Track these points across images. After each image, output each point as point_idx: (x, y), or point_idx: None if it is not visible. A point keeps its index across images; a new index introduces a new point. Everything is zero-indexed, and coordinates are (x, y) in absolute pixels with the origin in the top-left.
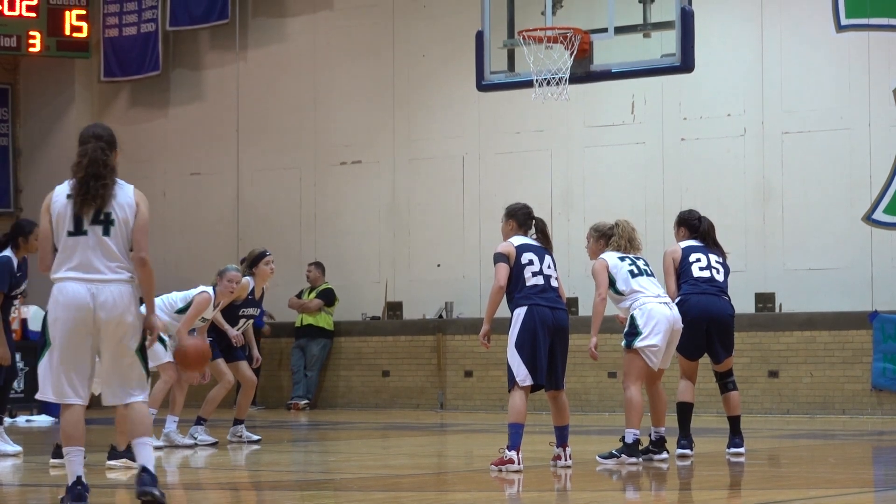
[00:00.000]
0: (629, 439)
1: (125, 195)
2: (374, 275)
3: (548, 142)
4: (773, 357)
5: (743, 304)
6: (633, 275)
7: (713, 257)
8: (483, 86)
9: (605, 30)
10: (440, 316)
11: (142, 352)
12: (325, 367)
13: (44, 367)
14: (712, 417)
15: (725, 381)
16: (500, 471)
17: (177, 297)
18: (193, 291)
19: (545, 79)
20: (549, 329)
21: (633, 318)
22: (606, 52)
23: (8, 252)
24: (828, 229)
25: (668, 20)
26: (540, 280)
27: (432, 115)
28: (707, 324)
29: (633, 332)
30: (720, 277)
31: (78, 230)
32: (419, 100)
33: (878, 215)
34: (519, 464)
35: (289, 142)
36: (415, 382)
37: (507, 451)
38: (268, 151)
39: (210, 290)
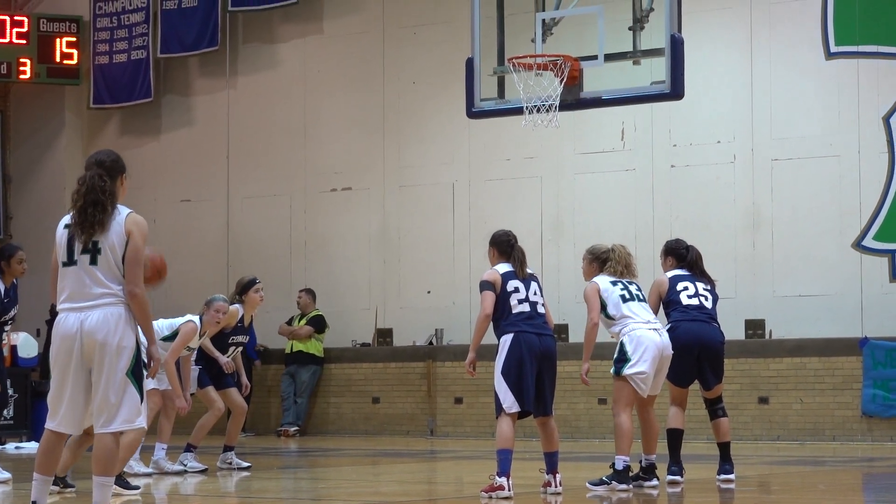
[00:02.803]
0: (619, 466)
1: (117, 223)
2: (365, 301)
3: (538, 169)
4: (763, 383)
5: (733, 330)
6: (625, 300)
7: (700, 285)
8: (473, 113)
9: (594, 57)
10: (430, 343)
11: (135, 376)
12: (315, 393)
13: (48, 396)
14: (702, 444)
15: (715, 408)
16: (491, 497)
17: (163, 325)
18: (180, 320)
19: (535, 106)
20: (535, 356)
21: (622, 344)
22: (596, 80)
23: None
24: (818, 256)
25: (658, 47)
26: (526, 307)
27: (422, 142)
28: (698, 350)
29: (622, 358)
30: (709, 305)
31: (70, 260)
32: (409, 127)
33: (868, 242)
34: (509, 490)
35: (279, 168)
36: (405, 409)
37: (496, 477)
38: (258, 178)
39: (196, 319)
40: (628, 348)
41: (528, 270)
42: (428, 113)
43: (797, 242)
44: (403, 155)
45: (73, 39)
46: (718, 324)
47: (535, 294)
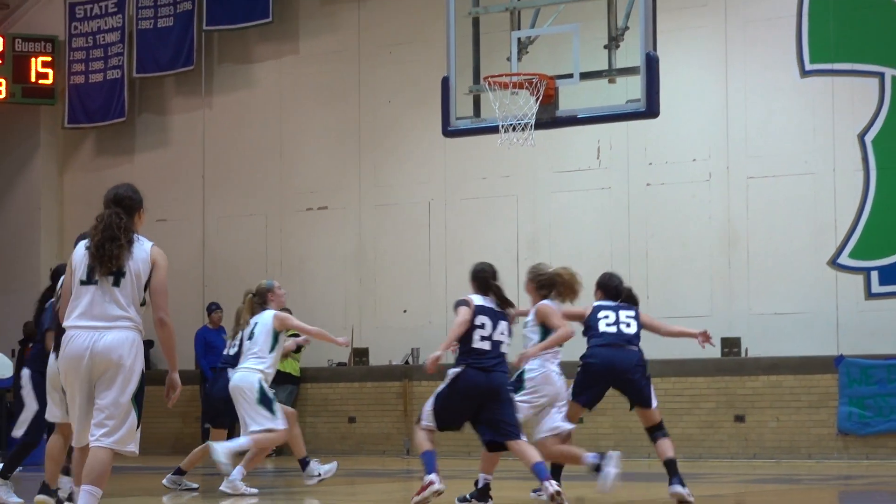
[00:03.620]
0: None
1: (142, 250)
2: (341, 321)
3: (514, 187)
4: (739, 401)
5: (709, 348)
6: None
7: (623, 313)
8: (449, 131)
9: (570, 75)
10: (406, 362)
11: (137, 402)
12: None
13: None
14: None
15: (654, 434)
16: (424, 498)
17: None
18: None
19: (511, 124)
20: (478, 393)
21: (522, 372)
22: (572, 98)
23: None
24: (793, 274)
25: (634, 66)
26: (487, 345)
27: (398, 161)
28: (609, 375)
29: (518, 385)
30: (630, 330)
31: (90, 279)
32: (385, 145)
33: (844, 260)
34: (439, 483)
35: (255, 188)
36: (381, 429)
37: (425, 478)
38: (234, 197)
39: None
40: (526, 377)
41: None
42: (404, 132)
43: (773, 260)
44: (379, 174)
45: (49, 59)
46: (638, 347)
47: (501, 333)
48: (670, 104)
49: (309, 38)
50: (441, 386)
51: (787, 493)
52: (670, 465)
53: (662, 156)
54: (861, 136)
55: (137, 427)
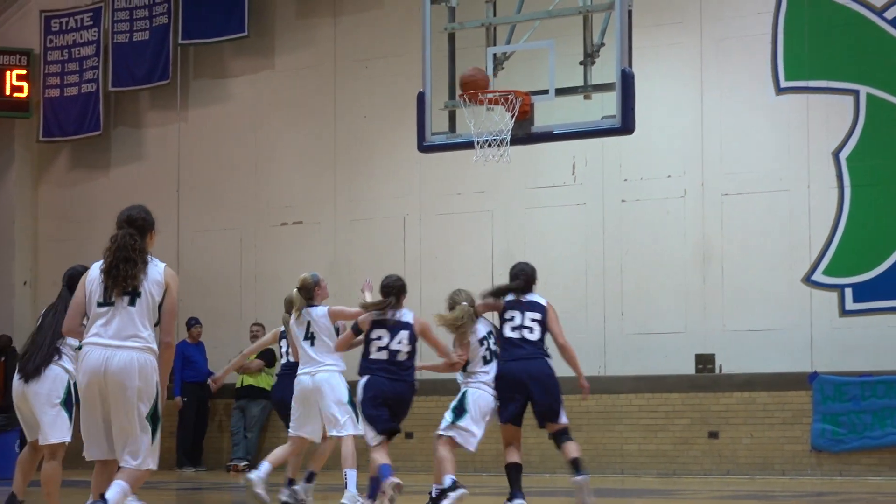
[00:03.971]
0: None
1: (156, 272)
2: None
3: (489, 203)
4: (713, 418)
5: (683, 364)
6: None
7: (529, 315)
8: (424, 147)
9: (545, 91)
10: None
11: (153, 421)
12: (266, 428)
13: (81, 427)
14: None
15: (560, 437)
16: (385, 492)
17: None
18: None
19: (486, 140)
20: (386, 398)
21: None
22: (547, 114)
23: None
24: (768, 290)
25: (609, 82)
26: (384, 355)
27: (373, 176)
28: (524, 391)
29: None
30: (533, 336)
31: (106, 301)
32: (360, 160)
33: (818, 276)
34: (393, 477)
35: (229, 202)
36: (355, 444)
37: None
38: (208, 212)
39: None
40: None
41: (402, 318)
42: (379, 147)
43: (747, 277)
44: (354, 189)
45: (24, 72)
46: (543, 354)
47: (398, 343)
48: (645, 121)
49: (284, 52)
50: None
51: None
52: (575, 463)
53: (637, 172)
54: (836, 154)
55: (152, 443)
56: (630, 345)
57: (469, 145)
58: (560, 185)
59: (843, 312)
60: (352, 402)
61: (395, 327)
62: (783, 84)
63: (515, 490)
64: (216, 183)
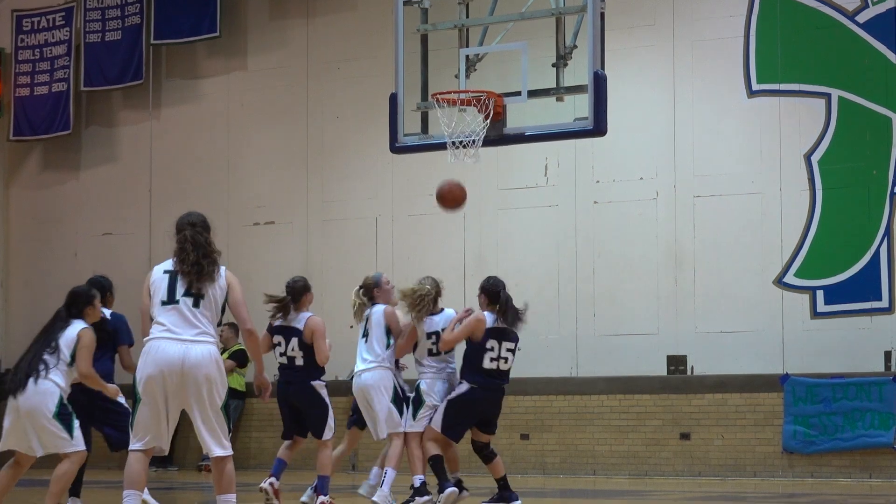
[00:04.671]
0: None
1: (219, 275)
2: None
3: None
4: (685, 419)
5: (654, 366)
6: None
7: (505, 345)
8: (396, 148)
9: (518, 93)
10: (352, 377)
11: (226, 410)
12: (237, 428)
13: (135, 420)
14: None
15: (486, 453)
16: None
17: None
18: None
19: (459, 141)
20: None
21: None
22: (520, 116)
23: None
24: (739, 292)
25: (581, 84)
26: (284, 360)
27: (346, 177)
28: (479, 412)
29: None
30: (506, 367)
31: (171, 300)
32: (333, 161)
33: (790, 279)
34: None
35: (202, 202)
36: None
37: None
38: (181, 211)
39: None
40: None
41: (294, 324)
42: (351, 147)
43: (719, 279)
44: (327, 189)
45: None
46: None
47: (292, 350)
48: (618, 122)
49: (257, 53)
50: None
51: None
52: (503, 483)
53: (609, 174)
54: (807, 157)
55: (229, 432)
56: (602, 346)
57: (441, 146)
58: (532, 187)
59: (815, 314)
60: (399, 400)
61: (289, 332)
62: (755, 87)
63: (444, 481)
64: (188, 183)
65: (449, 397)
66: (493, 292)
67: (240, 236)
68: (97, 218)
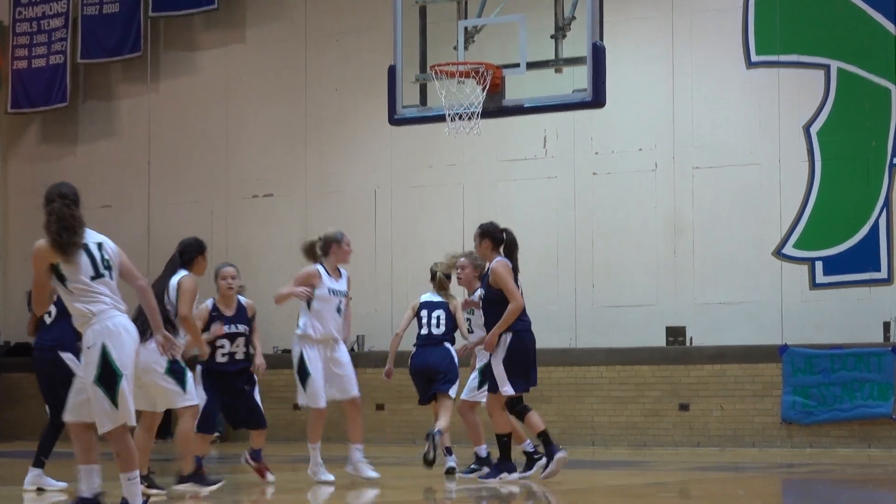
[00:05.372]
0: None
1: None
2: (286, 307)
3: (460, 176)
4: (684, 390)
5: (654, 337)
6: None
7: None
8: (395, 120)
9: (517, 65)
10: (352, 349)
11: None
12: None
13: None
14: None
15: (518, 409)
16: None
17: None
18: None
19: (457, 113)
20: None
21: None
22: (518, 87)
23: None
24: (738, 263)
25: (580, 56)
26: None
27: (344, 149)
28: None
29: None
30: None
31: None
32: (331, 133)
33: (788, 250)
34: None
35: (200, 175)
36: (325, 415)
37: None
38: (179, 184)
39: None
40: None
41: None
42: (350, 120)
43: (718, 250)
44: (325, 162)
45: None
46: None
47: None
48: (617, 94)
49: (255, 25)
50: None
51: (730, 481)
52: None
53: (608, 145)
54: (806, 128)
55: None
56: (601, 317)
57: (440, 118)
58: (531, 159)
59: (814, 285)
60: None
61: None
62: (754, 58)
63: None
64: (187, 155)
65: (502, 357)
66: (497, 235)
67: (238, 209)
68: (95, 190)
